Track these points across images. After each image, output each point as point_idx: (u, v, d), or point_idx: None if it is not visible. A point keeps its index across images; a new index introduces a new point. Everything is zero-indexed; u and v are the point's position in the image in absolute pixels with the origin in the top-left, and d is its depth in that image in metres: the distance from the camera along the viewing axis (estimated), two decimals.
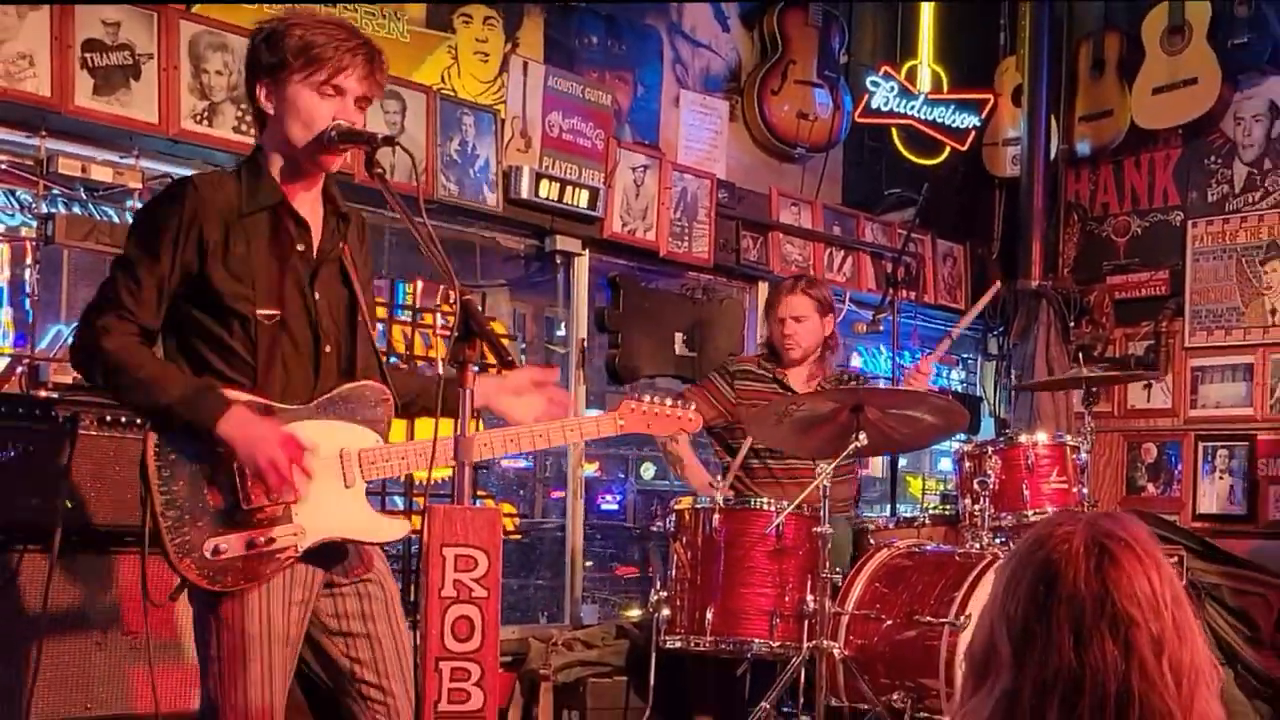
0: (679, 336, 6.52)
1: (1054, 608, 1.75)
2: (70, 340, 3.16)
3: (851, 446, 4.60)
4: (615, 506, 7.21)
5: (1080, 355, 7.30)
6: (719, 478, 5.28)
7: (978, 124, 7.98)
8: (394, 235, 5.38)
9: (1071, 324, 7.79)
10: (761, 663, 5.11)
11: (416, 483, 5.16)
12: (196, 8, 5.11)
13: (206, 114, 4.91)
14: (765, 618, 4.76)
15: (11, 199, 4.62)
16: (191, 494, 2.96)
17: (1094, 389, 5.91)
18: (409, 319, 5.51)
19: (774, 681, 4.73)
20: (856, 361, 7.70)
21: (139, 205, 4.63)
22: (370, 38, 3.16)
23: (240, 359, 3.03)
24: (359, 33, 3.15)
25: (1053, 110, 7.93)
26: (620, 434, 3.75)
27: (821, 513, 4.69)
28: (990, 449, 5.28)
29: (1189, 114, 7.48)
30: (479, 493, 5.29)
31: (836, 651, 4.68)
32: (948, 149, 7.96)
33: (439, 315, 5.48)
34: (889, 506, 6.59)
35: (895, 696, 4.63)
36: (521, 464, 6.64)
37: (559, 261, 6.31)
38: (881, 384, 6.68)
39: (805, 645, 4.68)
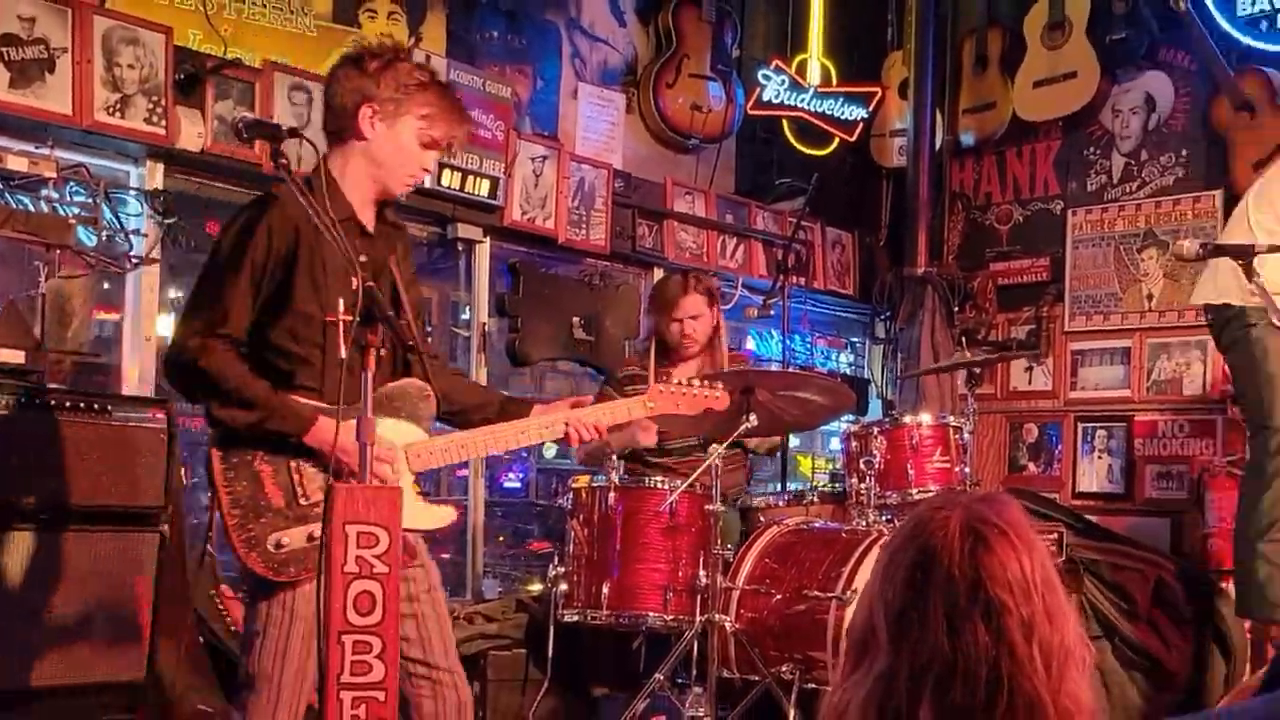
0: (576, 321, 6.60)
1: (929, 593, 1.78)
2: (167, 356, 3.27)
3: (743, 426, 4.65)
4: (518, 484, 7.32)
5: (964, 339, 7.42)
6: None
7: (865, 116, 8.06)
8: None
9: (956, 309, 7.85)
10: (656, 636, 5.13)
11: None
12: (109, 3, 5.19)
13: (119, 106, 4.99)
14: (659, 592, 4.80)
15: None
16: (254, 493, 3.16)
17: (977, 371, 6.00)
18: None
19: (668, 654, 4.78)
20: (750, 345, 7.77)
21: (53, 194, 4.72)
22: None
23: (308, 365, 3.22)
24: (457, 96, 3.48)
25: (938, 103, 7.98)
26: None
27: (713, 491, 4.74)
28: (876, 429, 5.30)
29: (1069, 107, 7.55)
30: None
31: (728, 625, 4.74)
32: (837, 140, 8.03)
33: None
34: (779, 484, 6.61)
35: (784, 668, 4.69)
36: None
37: (461, 249, 6.40)
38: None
39: (698, 619, 4.70)
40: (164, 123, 5.12)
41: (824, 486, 5.74)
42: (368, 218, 3.40)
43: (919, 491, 5.22)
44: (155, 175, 5.25)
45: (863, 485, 5.15)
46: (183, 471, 4.53)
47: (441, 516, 3.47)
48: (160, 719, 4.28)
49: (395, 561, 2.92)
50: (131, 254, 5.09)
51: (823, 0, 8.04)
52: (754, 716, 4.77)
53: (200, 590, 4.73)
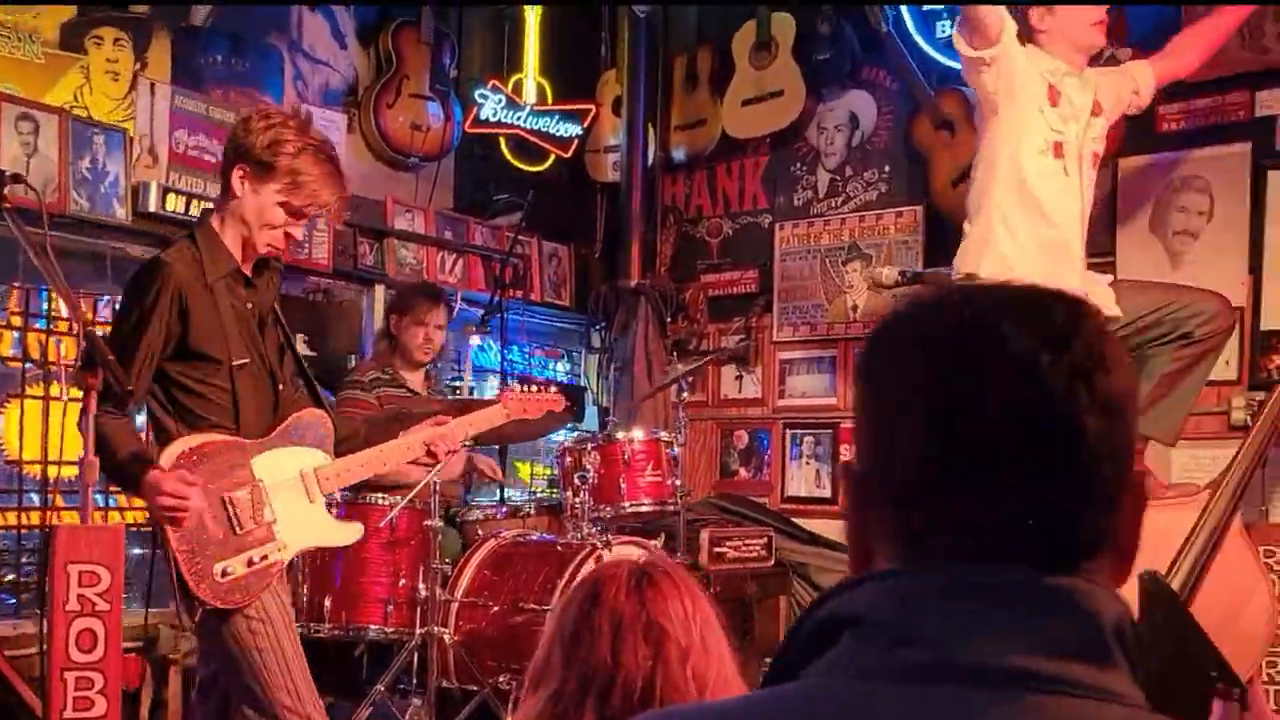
0: (300, 337, 6.64)
1: (597, 614, 1.94)
2: None
3: (430, 475, 4.72)
4: None
5: (676, 349, 7.67)
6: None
7: (580, 133, 8.14)
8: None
9: (669, 319, 7.92)
10: (378, 645, 5.24)
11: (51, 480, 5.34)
12: None
13: None
14: (380, 605, 4.95)
15: None
16: (198, 528, 3.26)
17: (689, 379, 6.21)
18: (44, 328, 5.60)
19: (391, 662, 4.89)
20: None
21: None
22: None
23: (219, 405, 3.39)
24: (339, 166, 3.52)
25: (650, 120, 8.02)
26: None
27: (432, 506, 4.88)
28: (590, 445, 5.50)
29: (776, 124, 7.58)
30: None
31: (447, 637, 4.88)
32: (553, 156, 8.10)
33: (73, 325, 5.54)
34: (498, 493, 6.76)
35: (502, 678, 4.84)
36: None
37: None
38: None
39: (418, 631, 4.85)
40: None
41: (543, 492, 5.86)
42: (249, 267, 3.55)
43: (631, 505, 5.45)
44: None
45: (577, 499, 5.30)
46: None
47: (351, 532, 3.73)
48: None
49: (118, 599, 3.05)
50: None
51: (538, 21, 8.11)
52: None
53: None
